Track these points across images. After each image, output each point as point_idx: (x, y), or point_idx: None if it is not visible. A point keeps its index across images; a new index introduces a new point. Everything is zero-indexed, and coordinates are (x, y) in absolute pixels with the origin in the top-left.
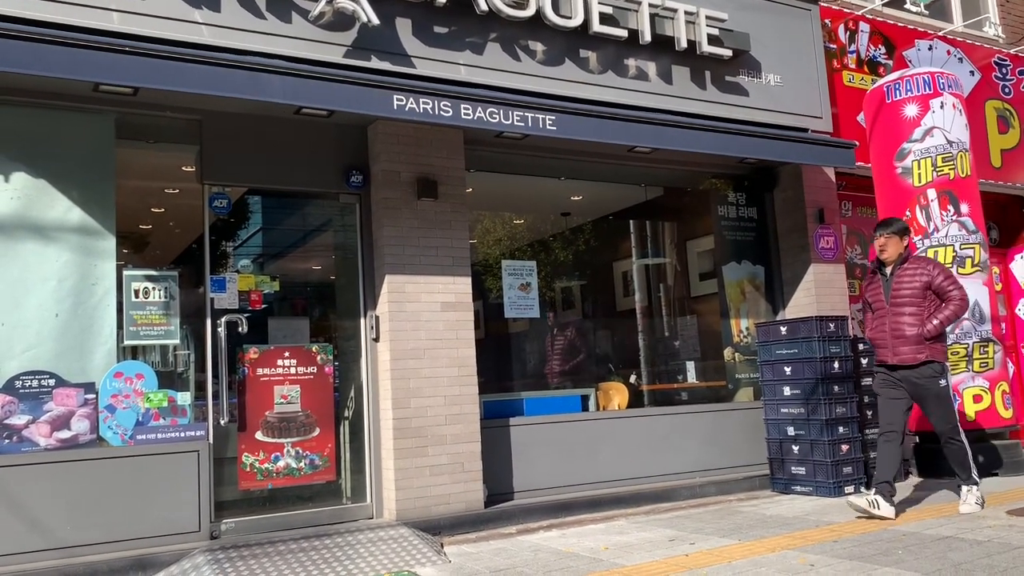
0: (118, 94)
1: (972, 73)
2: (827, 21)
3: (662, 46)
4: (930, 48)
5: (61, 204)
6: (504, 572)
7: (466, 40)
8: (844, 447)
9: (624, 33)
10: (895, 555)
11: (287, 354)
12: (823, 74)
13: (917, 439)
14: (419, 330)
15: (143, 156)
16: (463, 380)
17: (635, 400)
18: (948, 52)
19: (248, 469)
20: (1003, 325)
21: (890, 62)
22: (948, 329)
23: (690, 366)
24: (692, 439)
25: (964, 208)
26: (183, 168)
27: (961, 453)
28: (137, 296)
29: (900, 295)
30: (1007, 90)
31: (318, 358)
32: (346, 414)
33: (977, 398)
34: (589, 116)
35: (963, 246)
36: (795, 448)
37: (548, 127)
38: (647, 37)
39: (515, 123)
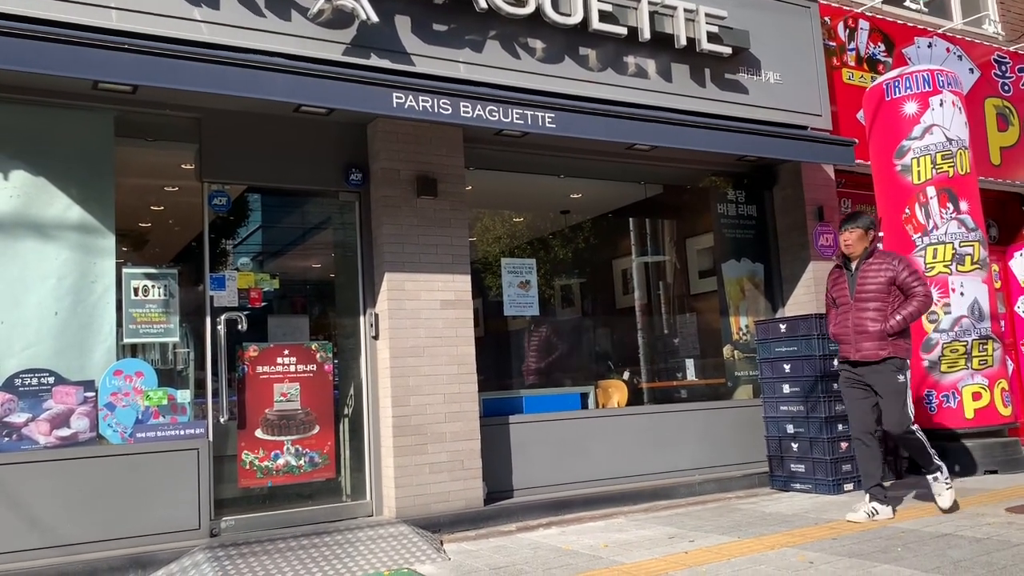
0: (117, 92)
1: (971, 71)
2: (826, 18)
3: (661, 44)
4: (929, 46)
5: (60, 202)
6: (504, 570)
7: (465, 38)
8: (843, 444)
9: (623, 31)
10: (894, 552)
11: (287, 352)
12: (822, 72)
13: None
14: (419, 328)
15: (142, 154)
16: (462, 378)
17: (634, 398)
18: (947, 50)
19: (248, 467)
20: (1002, 323)
21: (889, 59)
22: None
23: (689, 364)
24: (691, 437)
25: (963, 206)
26: (182, 166)
27: (919, 444)
28: (137, 294)
29: (864, 290)
30: (1006, 88)
31: (318, 356)
32: (346, 412)
33: (976, 396)
34: (588, 114)
35: (962, 244)
36: (794, 445)
37: (547, 125)
38: (646, 35)
39: (514, 121)
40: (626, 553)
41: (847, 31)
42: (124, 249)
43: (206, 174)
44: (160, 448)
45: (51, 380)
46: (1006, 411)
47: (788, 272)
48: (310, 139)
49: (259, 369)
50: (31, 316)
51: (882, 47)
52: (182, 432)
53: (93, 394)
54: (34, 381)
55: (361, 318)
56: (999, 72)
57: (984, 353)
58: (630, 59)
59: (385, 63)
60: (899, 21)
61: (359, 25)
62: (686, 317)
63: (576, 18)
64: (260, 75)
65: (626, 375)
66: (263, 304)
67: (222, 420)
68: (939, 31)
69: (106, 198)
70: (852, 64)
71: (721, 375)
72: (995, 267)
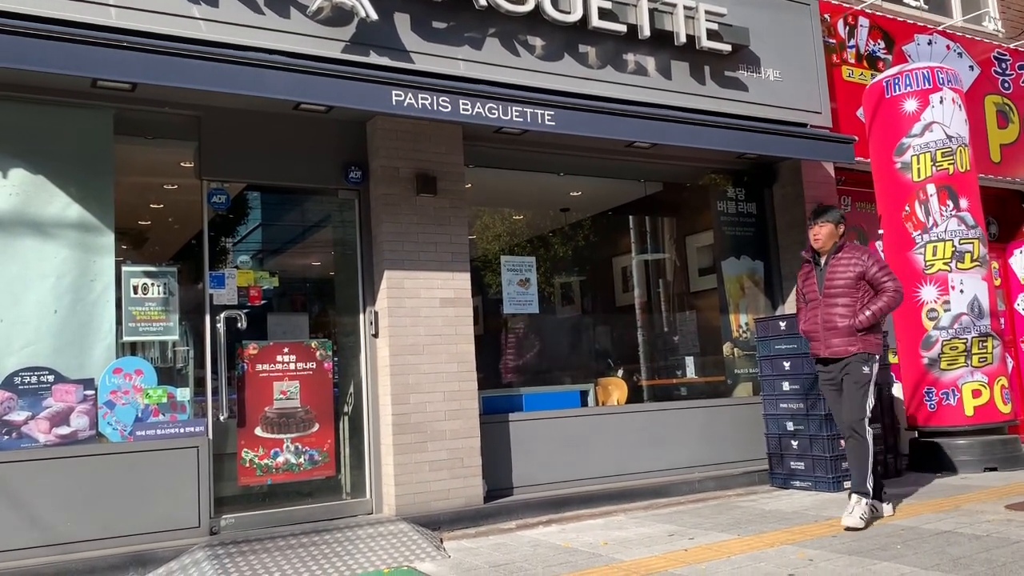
0: (116, 90)
1: (971, 68)
2: (826, 16)
3: (661, 41)
4: (929, 43)
5: (60, 200)
6: (503, 567)
7: (465, 35)
8: (843, 442)
9: (623, 28)
10: (894, 550)
11: (286, 350)
12: (822, 69)
13: (916, 434)
14: (418, 326)
15: (142, 152)
16: (462, 376)
17: (634, 396)
18: (948, 47)
19: (247, 465)
20: (1002, 320)
21: (889, 57)
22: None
23: (689, 361)
24: (691, 434)
25: (963, 203)
26: (182, 164)
27: (862, 452)
28: (136, 292)
29: (833, 285)
30: (1007, 85)
31: (317, 354)
32: (345, 410)
33: (976, 393)
34: (588, 111)
35: (962, 241)
36: (794, 443)
37: (547, 122)
38: (646, 32)
39: (514, 118)
40: (626, 551)
41: (847, 28)
42: (123, 247)
43: (205, 172)
44: (160, 446)
45: (51, 378)
46: (1006, 408)
47: (788, 270)
48: (309, 137)
49: (259, 367)
50: (31, 314)
51: (882, 44)
52: (182, 430)
53: (93, 392)
54: (34, 379)
55: (361, 316)
56: (999, 69)
57: (984, 350)
58: (630, 57)
59: (384, 61)
60: (899, 18)
61: (358, 23)
62: (686, 315)
63: (575, 16)
64: (259, 73)
65: (626, 373)
66: (263, 302)
67: (222, 418)
68: (939, 28)
69: (105, 196)
70: (852, 61)
71: (721, 373)
72: (995, 264)
